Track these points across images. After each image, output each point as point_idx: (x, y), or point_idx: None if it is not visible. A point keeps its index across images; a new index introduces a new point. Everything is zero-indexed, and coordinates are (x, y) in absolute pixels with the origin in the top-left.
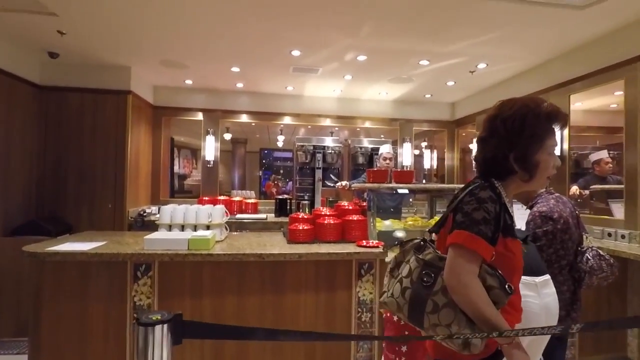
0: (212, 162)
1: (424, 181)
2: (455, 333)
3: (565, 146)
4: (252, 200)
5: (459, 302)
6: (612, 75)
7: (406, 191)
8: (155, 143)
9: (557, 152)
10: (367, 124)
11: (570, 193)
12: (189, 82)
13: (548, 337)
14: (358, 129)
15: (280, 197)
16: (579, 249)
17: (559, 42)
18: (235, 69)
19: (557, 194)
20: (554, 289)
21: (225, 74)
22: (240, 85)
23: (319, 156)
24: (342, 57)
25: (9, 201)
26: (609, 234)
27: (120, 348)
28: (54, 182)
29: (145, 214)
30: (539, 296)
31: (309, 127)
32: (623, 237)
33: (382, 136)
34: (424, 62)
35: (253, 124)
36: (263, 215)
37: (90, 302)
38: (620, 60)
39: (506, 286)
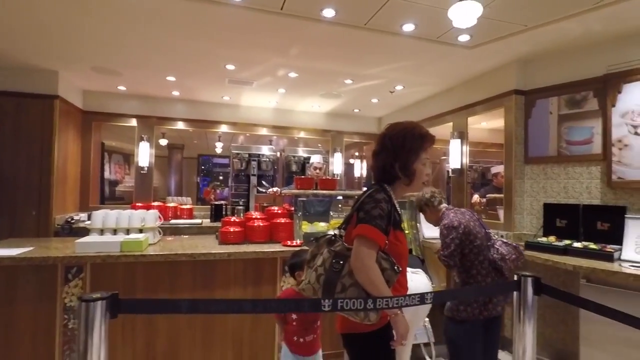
0: (146, 169)
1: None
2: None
3: (465, 160)
4: (188, 206)
5: (361, 281)
6: (497, 103)
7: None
8: (85, 149)
9: (455, 164)
10: (302, 134)
11: (472, 200)
12: (122, 88)
13: (425, 309)
14: (296, 139)
15: (216, 202)
16: (489, 244)
17: (458, 73)
18: (170, 78)
19: (455, 208)
20: (424, 282)
21: (160, 82)
22: (176, 93)
23: (254, 164)
24: (274, 73)
25: None
26: (496, 235)
27: (50, 349)
28: None
29: (73, 221)
30: (410, 280)
31: (247, 135)
32: (502, 236)
33: (319, 145)
34: (349, 81)
35: (190, 130)
36: (198, 221)
37: (17, 306)
38: (500, 92)
39: (395, 267)
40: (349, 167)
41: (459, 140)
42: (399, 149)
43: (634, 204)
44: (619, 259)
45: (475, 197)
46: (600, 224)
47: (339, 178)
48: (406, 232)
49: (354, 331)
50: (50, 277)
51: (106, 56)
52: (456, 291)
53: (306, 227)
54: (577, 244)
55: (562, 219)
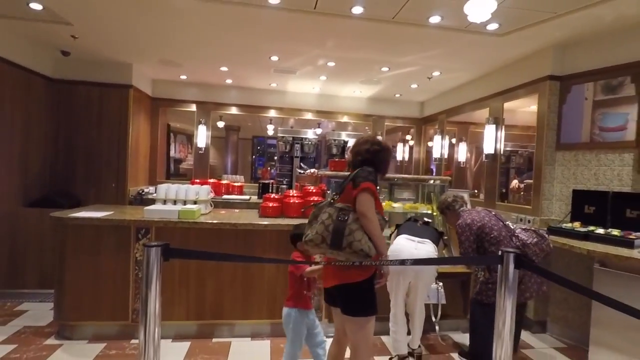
0: (203, 149)
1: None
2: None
3: (500, 145)
4: (239, 184)
5: (365, 222)
6: (532, 89)
7: None
8: (153, 131)
9: (489, 150)
10: (345, 119)
11: (511, 186)
12: (183, 77)
13: (429, 273)
14: (340, 122)
15: (264, 181)
16: (510, 234)
17: (492, 59)
18: (223, 68)
19: (468, 209)
20: (427, 250)
21: (215, 72)
22: (229, 81)
23: (297, 146)
24: (314, 63)
25: (27, 178)
26: (521, 219)
27: (125, 291)
28: (65, 163)
29: (143, 193)
30: (415, 248)
31: (296, 118)
32: (529, 221)
33: (366, 128)
34: (385, 69)
35: (244, 114)
36: (247, 197)
37: (102, 256)
38: (535, 78)
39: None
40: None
41: (493, 126)
42: (376, 152)
43: None
44: None
45: (514, 183)
46: (629, 212)
47: None
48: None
49: (350, 281)
50: (126, 235)
51: (169, 50)
52: (436, 259)
53: None
54: (599, 230)
55: (591, 205)
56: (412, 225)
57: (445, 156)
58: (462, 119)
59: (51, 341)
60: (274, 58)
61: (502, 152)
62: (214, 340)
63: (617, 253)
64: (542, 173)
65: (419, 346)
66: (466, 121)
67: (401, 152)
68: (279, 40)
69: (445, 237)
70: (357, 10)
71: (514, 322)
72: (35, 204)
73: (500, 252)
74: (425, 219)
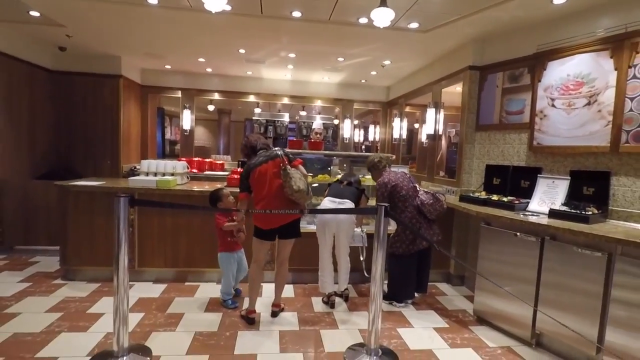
0: (188, 131)
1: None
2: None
3: (438, 127)
4: (221, 162)
5: (305, 183)
6: (459, 78)
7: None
8: (143, 115)
9: (430, 131)
10: (318, 103)
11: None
12: (168, 66)
13: (348, 221)
14: (319, 107)
15: (243, 159)
16: (415, 195)
17: (428, 51)
18: (201, 59)
19: (389, 169)
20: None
21: (195, 62)
22: (209, 69)
23: (271, 128)
24: (277, 54)
25: (35, 156)
26: (448, 191)
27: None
28: (67, 143)
29: (135, 169)
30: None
31: (282, 103)
32: (453, 192)
33: (336, 110)
34: (341, 59)
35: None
36: (225, 173)
37: (96, 215)
38: (460, 67)
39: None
40: (366, 132)
41: (433, 110)
42: (249, 146)
43: (547, 165)
44: (525, 209)
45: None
46: (523, 182)
47: (347, 142)
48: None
49: (296, 217)
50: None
51: (152, 45)
52: (337, 210)
53: None
54: (494, 197)
55: (498, 177)
56: (336, 186)
57: (404, 137)
58: (419, 102)
59: (58, 282)
60: (242, 51)
61: (440, 133)
62: (186, 283)
63: (501, 215)
64: (463, 151)
65: (346, 289)
66: (424, 104)
67: (372, 134)
68: (240, 38)
69: (366, 191)
70: (297, 14)
71: (414, 268)
72: (43, 177)
73: (376, 205)
74: (349, 179)
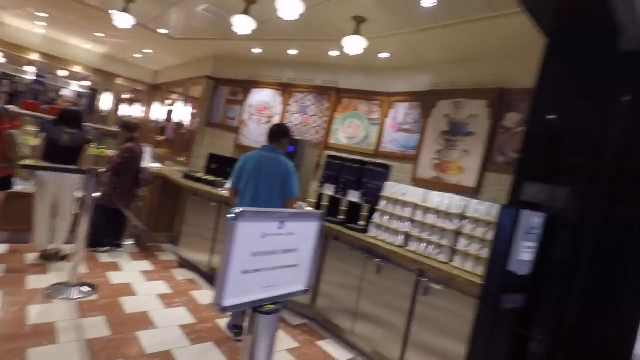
0: None
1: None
2: None
3: (185, 117)
4: None
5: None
6: (197, 82)
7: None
8: None
9: (178, 119)
10: (77, 70)
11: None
12: None
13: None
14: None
15: None
16: (141, 168)
17: (180, 53)
18: None
19: (134, 143)
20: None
21: None
22: None
23: (6, 82)
24: (25, 9)
25: None
26: (178, 171)
27: None
28: None
29: None
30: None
31: (30, 59)
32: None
33: (102, 84)
34: (100, 35)
35: None
36: None
37: None
38: (201, 75)
39: None
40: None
41: (183, 102)
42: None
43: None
44: (223, 187)
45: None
46: (228, 169)
47: (105, 114)
48: None
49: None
50: None
51: None
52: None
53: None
54: (199, 175)
55: (214, 163)
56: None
57: (161, 120)
58: (179, 92)
59: None
60: None
61: (185, 123)
62: None
63: (200, 188)
64: (196, 140)
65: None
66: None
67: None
68: None
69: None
70: None
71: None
72: None
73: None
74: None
